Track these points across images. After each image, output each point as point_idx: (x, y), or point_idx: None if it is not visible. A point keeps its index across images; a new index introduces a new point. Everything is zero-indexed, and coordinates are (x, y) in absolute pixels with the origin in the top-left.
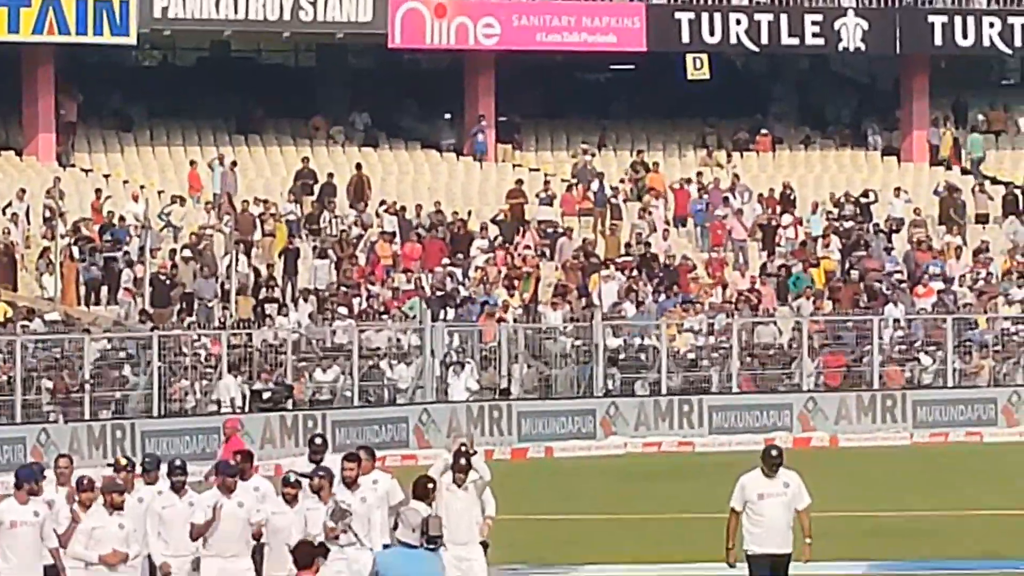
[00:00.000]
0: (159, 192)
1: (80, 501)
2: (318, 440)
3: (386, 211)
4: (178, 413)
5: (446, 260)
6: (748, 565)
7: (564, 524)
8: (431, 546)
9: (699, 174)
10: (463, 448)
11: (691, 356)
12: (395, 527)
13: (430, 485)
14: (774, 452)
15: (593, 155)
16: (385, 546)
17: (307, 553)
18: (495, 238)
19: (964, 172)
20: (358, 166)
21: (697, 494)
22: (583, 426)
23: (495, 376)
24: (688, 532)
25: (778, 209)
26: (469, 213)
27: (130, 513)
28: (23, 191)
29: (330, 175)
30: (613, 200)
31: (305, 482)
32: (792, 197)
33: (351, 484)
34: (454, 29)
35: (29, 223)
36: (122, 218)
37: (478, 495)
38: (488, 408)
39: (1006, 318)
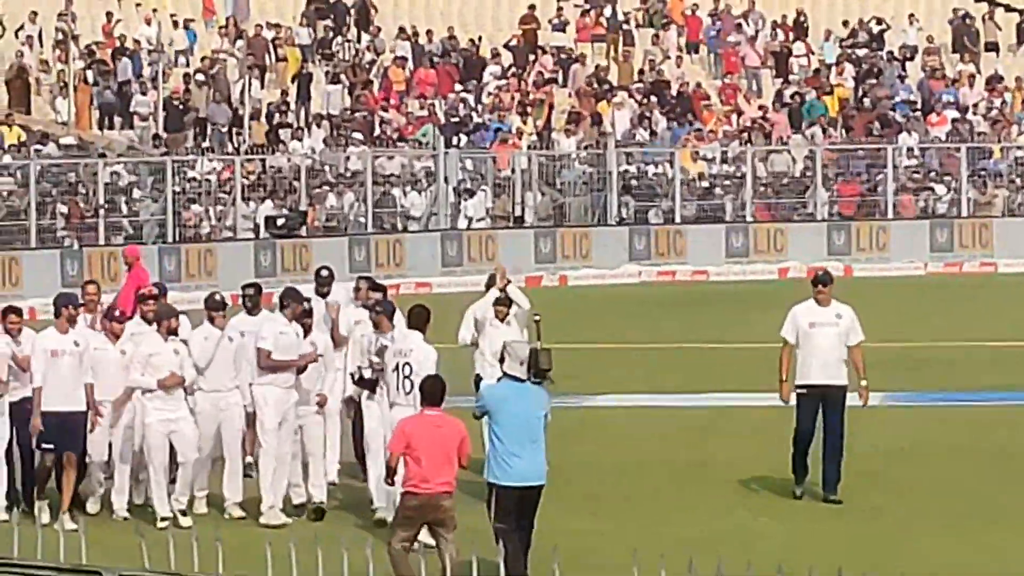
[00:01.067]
0: (171, 16)
1: (112, 331)
2: (324, 272)
3: (398, 36)
4: (192, 239)
5: (459, 86)
6: (797, 399)
7: (579, 353)
8: (538, 379)
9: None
10: (496, 280)
11: (704, 184)
12: (502, 360)
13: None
14: (821, 273)
15: None
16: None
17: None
18: (508, 64)
19: (978, 0)
20: None
21: (711, 323)
22: (596, 254)
23: (508, 203)
24: (703, 361)
25: (791, 36)
26: (481, 39)
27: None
28: (35, 13)
29: None
30: (626, 26)
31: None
32: (805, 24)
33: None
34: None
35: (42, 46)
36: (136, 41)
37: (521, 328)
38: (502, 235)
39: (1020, 147)
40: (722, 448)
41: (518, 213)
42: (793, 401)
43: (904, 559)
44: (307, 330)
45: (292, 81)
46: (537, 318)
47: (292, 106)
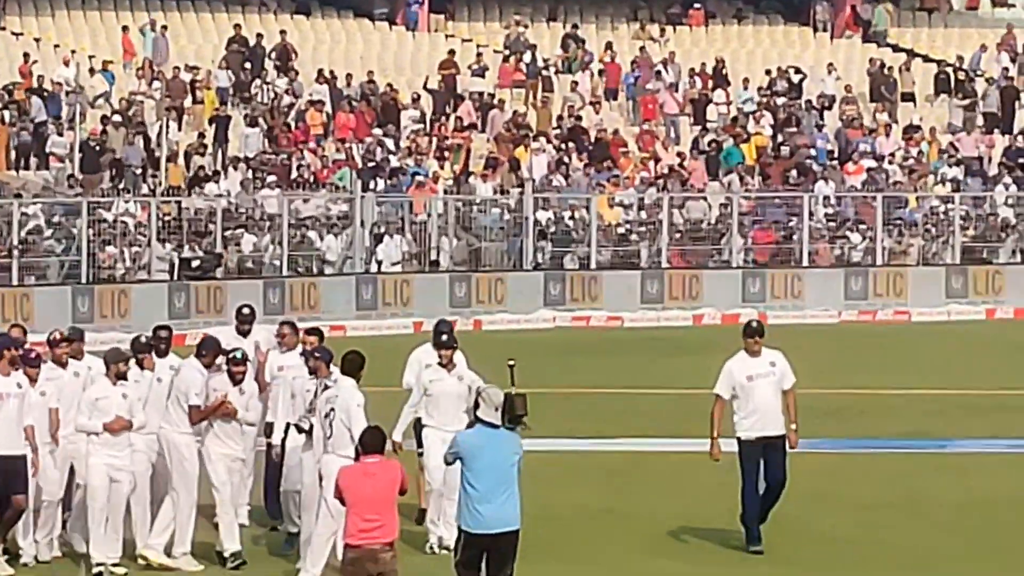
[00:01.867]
0: (90, 57)
1: (28, 375)
2: (246, 310)
3: (317, 80)
4: (107, 280)
5: (377, 130)
6: (739, 452)
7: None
8: (512, 425)
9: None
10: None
11: (621, 231)
12: (476, 406)
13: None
14: (755, 324)
15: (526, 27)
16: (468, 425)
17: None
18: (426, 109)
19: (895, 50)
20: (282, 33)
21: (626, 369)
22: (511, 299)
23: (425, 248)
24: (616, 407)
25: (710, 84)
26: (399, 83)
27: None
28: None
29: (260, 41)
30: (545, 72)
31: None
32: (724, 72)
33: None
34: None
35: None
36: (55, 83)
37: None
38: (417, 279)
39: (936, 197)
40: (635, 494)
41: (433, 257)
42: (726, 455)
43: None
44: (238, 379)
45: (209, 123)
46: (511, 363)
47: (209, 148)
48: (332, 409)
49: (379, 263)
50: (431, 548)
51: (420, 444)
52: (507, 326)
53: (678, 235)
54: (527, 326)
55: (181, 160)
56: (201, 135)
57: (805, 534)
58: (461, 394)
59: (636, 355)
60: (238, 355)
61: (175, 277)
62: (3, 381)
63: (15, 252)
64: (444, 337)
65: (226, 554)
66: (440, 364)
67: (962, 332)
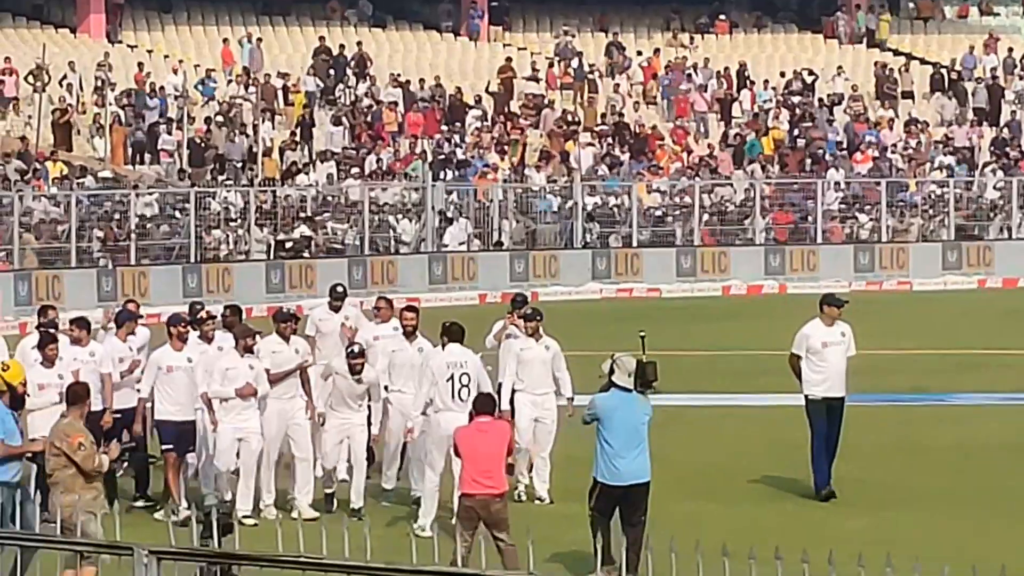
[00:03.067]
0: (195, 66)
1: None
2: (339, 288)
3: (392, 84)
4: (212, 260)
5: (445, 128)
6: (807, 408)
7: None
8: (643, 389)
9: (665, 54)
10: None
11: (658, 213)
12: (611, 372)
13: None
14: (838, 296)
15: (574, 36)
16: (602, 389)
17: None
18: (488, 109)
19: (896, 54)
20: (360, 44)
21: (664, 334)
22: (564, 274)
23: (487, 229)
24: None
25: (734, 85)
26: (464, 87)
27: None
28: (71, 63)
29: (342, 51)
30: (590, 76)
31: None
32: (746, 75)
33: (410, 335)
34: None
35: (82, 92)
36: (163, 88)
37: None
38: (481, 257)
39: (933, 182)
40: (671, 443)
41: (495, 238)
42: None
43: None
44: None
45: (298, 124)
46: (643, 334)
47: (299, 145)
48: (464, 373)
49: (447, 244)
50: (519, 496)
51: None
52: (560, 297)
53: (708, 217)
54: (578, 297)
55: (275, 155)
56: (292, 133)
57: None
58: (546, 360)
59: (673, 322)
60: (355, 349)
61: (271, 257)
62: (174, 355)
63: (133, 236)
64: (529, 311)
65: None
66: (528, 334)
67: (957, 300)
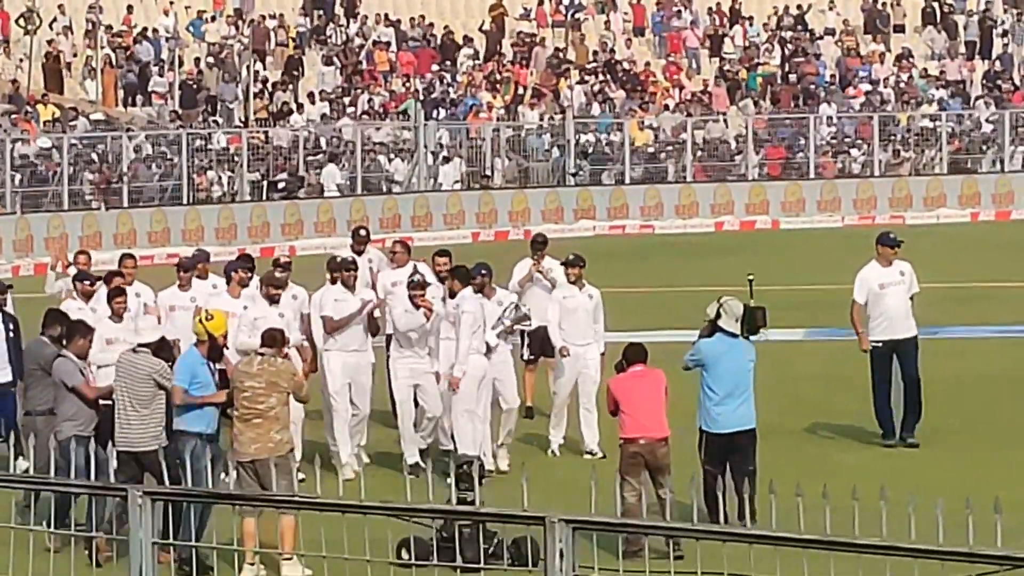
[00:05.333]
0: (186, 7)
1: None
2: (362, 231)
3: (382, 24)
4: (205, 201)
5: (436, 67)
6: (872, 353)
7: None
8: (750, 335)
9: None
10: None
11: (651, 150)
12: (717, 316)
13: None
14: (892, 235)
15: None
16: (703, 333)
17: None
18: (479, 48)
19: None
20: None
21: (657, 271)
22: (557, 211)
23: (480, 167)
24: (649, 304)
25: (726, 21)
26: (456, 26)
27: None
28: (61, 6)
29: None
30: (582, 13)
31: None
32: (738, 10)
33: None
34: None
35: (73, 34)
36: (155, 30)
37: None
38: (475, 196)
39: (924, 115)
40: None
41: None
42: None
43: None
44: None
45: (289, 64)
46: (751, 277)
47: (291, 85)
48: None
49: (440, 183)
50: (554, 453)
51: (530, 351)
52: (553, 235)
53: (700, 153)
54: (570, 235)
55: (267, 96)
56: (283, 74)
57: (817, 411)
58: (589, 310)
59: (666, 258)
60: (415, 279)
61: (263, 199)
62: (232, 302)
63: (125, 178)
64: (572, 257)
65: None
66: (570, 281)
67: (951, 233)
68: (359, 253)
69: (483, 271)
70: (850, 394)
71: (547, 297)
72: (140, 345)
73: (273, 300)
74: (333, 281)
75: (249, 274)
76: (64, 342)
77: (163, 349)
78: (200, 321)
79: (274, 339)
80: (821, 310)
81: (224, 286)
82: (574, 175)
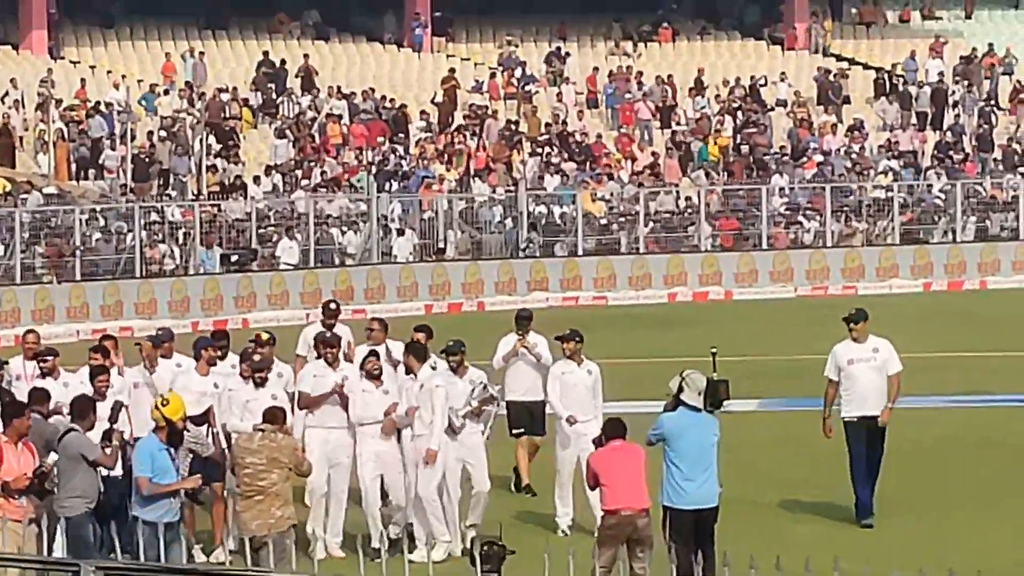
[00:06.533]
0: (138, 81)
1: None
2: (332, 304)
3: (336, 96)
4: (158, 274)
5: (389, 139)
6: (846, 428)
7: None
8: (713, 409)
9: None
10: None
11: (603, 221)
12: (680, 390)
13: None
14: (854, 311)
15: (516, 46)
16: (667, 407)
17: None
18: (432, 120)
19: (839, 59)
20: (305, 56)
21: (611, 342)
22: (510, 283)
23: (433, 240)
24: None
25: (678, 92)
26: (408, 98)
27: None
28: (13, 80)
29: (284, 64)
30: (534, 85)
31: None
32: (690, 82)
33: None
34: None
35: (25, 108)
36: (107, 104)
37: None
38: (428, 268)
39: (877, 186)
40: None
41: (441, 247)
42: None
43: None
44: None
45: (243, 137)
46: (714, 350)
47: (243, 158)
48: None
49: (393, 255)
50: (564, 532)
51: (515, 426)
52: (506, 307)
53: (653, 224)
54: (524, 306)
55: (220, 169)
56: (236, 147)
57: (771, 481)
58: (589, 385)
59: (619, 330)
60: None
61: (216, 271)
62: (201, 380)
63: (77, 251)
64: (568, 332)
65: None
66: (567, 356)
67: (903, 303)
68: (330, 327)
69: (462, 348)
70: (804, 464)
71: (533, 373)
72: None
73: (260, 383)
74: (318, 356)
75: (220, 352)
76: (71, 418)
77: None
78: (156, 407)
79: (275, 416)
80: (775, 380)
81: (189, 364)
82: (523, 249)
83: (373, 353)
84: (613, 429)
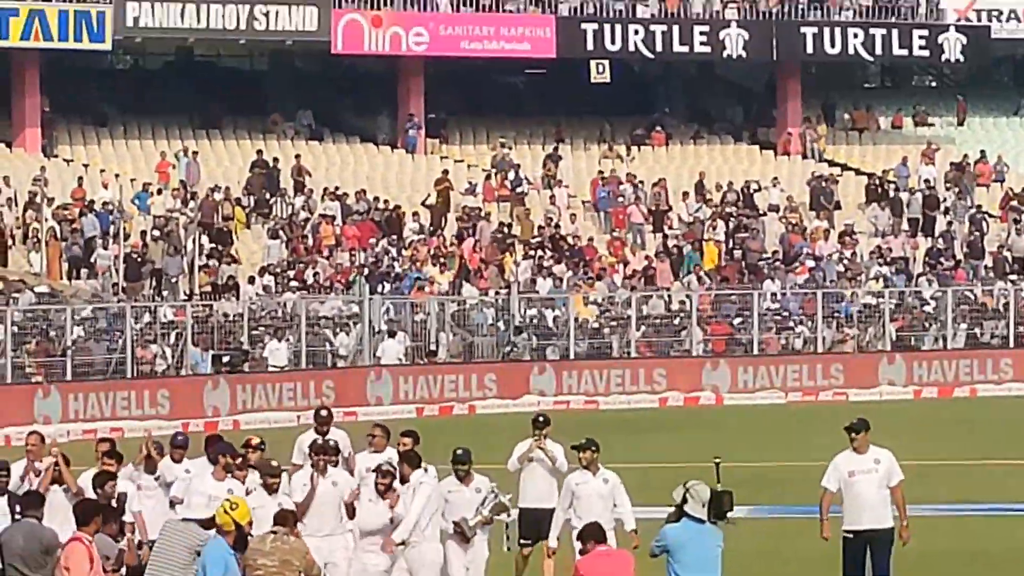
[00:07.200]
0: (131, 180)
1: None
2: (323, 412)
3: (329, 197)
4: (149, 375)
5: (383, 240)
6: (843, 543)
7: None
8: (717, 520)
9: (602, 168)
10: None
11: (595, 325)
12: (684, 501)
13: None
14: (855, 422)
15: (509, 149)
16: (670, 518)
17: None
18: (424, 222)
19: (831, 164)
20: (298, 156)
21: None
22: (502, 386)
23: (425, 342)
24: None
25: (670, 196)
26: (402, 200)
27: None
28: (6, 178)
29: (277, 164)
30: (527, 188)
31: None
32: (683, 186)
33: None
34: (389, 37)
35: (17, 206)
36: (105, 203)
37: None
38: (418, 370)
39: (869, 292)
40: None
41: (432, 351)
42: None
43: None
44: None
45: (236, 236)
46: (717, 460)
47: (236, 258)
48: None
49: (383, 358)
50: None
51: (525, 536)
52: (497, 411)
53: (645, 328)
54: (515, 410)
55: (213, 268)
56: (228, 246)
57: None
58: (605, 495)
59: (610, 434)
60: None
61: (208, 372)
62: (216, 485)
63: (69, 352)
64: (584, 441)
65: None
66: (583, 466)
67: (893, 410)
68: (323, 434)
69: (470, 457)
70: (795, 574)
71: (548, 479)
72: (196, 521)
73: (272, 489)
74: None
75: (238, 460)
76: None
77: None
78: (225, 511)
79: (286, 518)
80: (766, 487)
81: (201, 469)
82: (507, 353)
83: (383, 473)
84: (593, 533)
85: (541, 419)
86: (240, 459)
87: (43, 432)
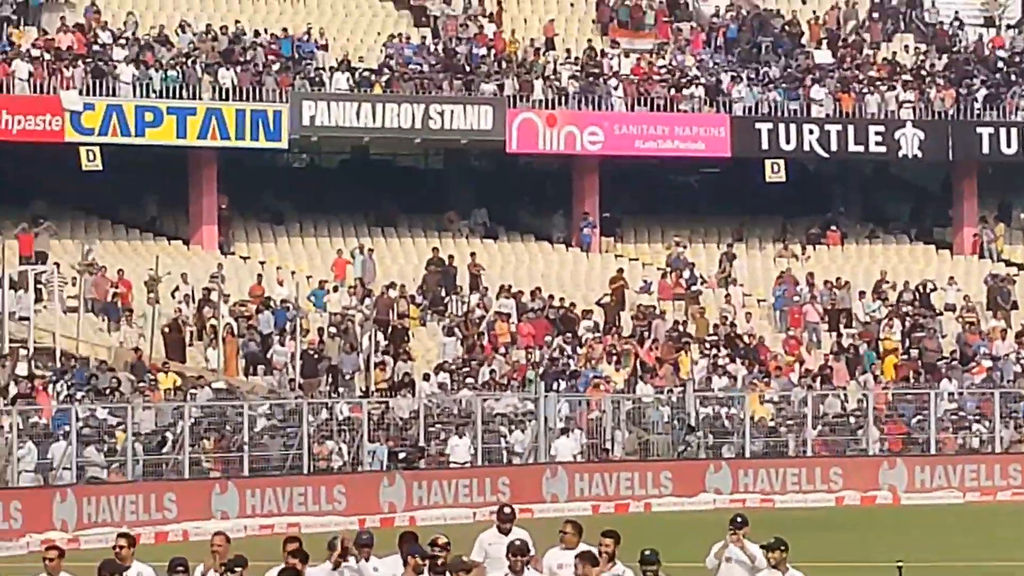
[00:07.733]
0: (307, 277)
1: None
2: (507, 510)
3: (504, 295)
4: (325, 471)
5: (558, 338)
6: None
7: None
8: None
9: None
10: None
11: (771, 424)
12: None
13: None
14: None
15: (684, 247)
16: None
17: None
18: (599, 320)
19: (1008, 264)
20: (473, 254)
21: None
22: (677, 484)
23: (600, 440)
24: None
25: (847, 296)
26: (576, 298)
27: None
28: (184, 275)
29: (452, 262)
30: (702, 286)
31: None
32: (859, 285)
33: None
34: (563, 136)
35: (195, 303)
36: (283, 300)
37: None
38: (593, 468)
39: None
40: None
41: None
42: None
43: None
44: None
45: (411, 334)
46: (900, 564)
47: (413, 355)
48: None
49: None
50: None
51: None
52: (673, 508)
53: (821, 427)
54: (691, 508)
55: (388, 366)
56: (405, 344)
57: None
58: None
59: (787, 533)
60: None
61: (384, 468)
62: None
63: (246, 447)
64: (773, 540)
65: None
66: (772, 566)
67: None
68: (505, 532)
69: (658, 557)
70: None
71: (745, 574)
72: None
73: None
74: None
75: (425, 562)
76: None
77: None
78: None
79: None
80: None
81: (392, 567)
82: (682, 451)
83: (515, 551)
84: None
85: (739, 519)
86: (430, 560)
87: (221, 526)
